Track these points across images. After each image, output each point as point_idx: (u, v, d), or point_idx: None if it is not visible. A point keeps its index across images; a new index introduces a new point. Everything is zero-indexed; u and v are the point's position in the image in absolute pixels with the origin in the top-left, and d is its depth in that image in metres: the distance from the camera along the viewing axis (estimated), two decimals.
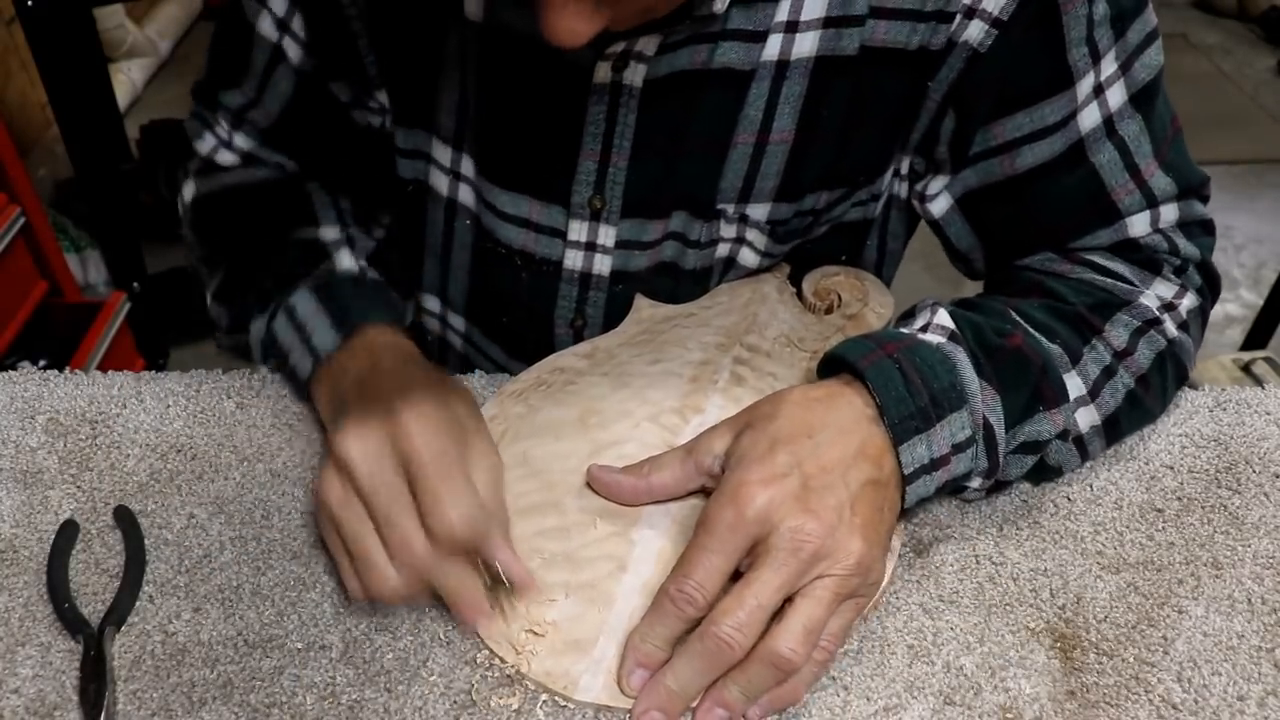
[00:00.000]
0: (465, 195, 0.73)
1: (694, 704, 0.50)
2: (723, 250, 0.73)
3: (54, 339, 1.76)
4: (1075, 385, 0.61)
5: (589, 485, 0.59)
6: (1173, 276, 0.68)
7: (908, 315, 0.63)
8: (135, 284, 2.01)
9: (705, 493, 0.58)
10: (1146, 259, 0.68)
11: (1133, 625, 0.55)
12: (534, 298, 0.75)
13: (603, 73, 0.63)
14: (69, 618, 0.53)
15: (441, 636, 0.53)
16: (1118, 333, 0.63)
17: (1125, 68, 0.64)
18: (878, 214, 0.75)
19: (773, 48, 0.63)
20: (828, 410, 0.54)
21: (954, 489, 0.59)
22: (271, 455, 0.64)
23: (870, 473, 0.52)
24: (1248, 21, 3.82)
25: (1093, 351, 0.62)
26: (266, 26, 0.71)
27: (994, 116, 0.65)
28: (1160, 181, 0.67)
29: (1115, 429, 0.63)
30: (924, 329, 0.59)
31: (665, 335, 0.71)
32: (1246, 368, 1.55)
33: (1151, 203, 0.67)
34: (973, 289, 0.76)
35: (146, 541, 0.58)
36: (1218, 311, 2.40)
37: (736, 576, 0.50)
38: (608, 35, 0.54)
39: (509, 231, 0.72)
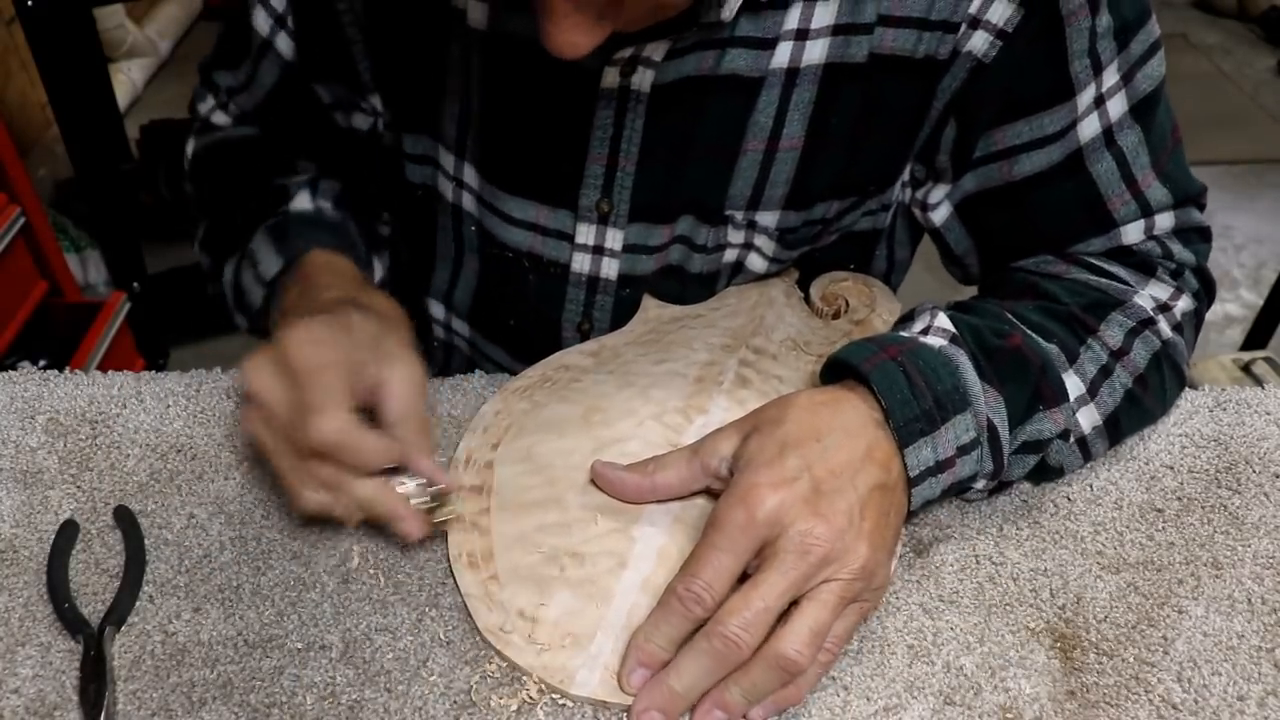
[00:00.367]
0: (468, 201, 0.73)
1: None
2: (730, 255, 0.73)
3: (54, 339, 1.76)
4: (1074, 384, 0.61)
5: (592, 481, 0.59)
6: (1168, 279, 0.68)
7: (906, 318, 0.63)
8: (135, 284, 2.01)
9: (708, 493, 0.58)
10: (1140, 263, 0.68)
11: (1133, 625, 0.55)
12: (541, 301, 0.75)
13: (610, 78, 0.63)
14: (69, 618, 0.53)
15: (441, 637, 0.53)
16: (1113, 332, 0.63)
17: (1127, 79, 0.64)
18: (887, 224, 0.75)
19: (782, 55, 0.63)
20: (834, 414, 0.54)
21: (958, 490, 0.59)
22: None
23: (878, 477, 0.52)
24: (1248, 21, 3.82)
25: (1089, 351, 0.62)
26: (261, 21, 0.73)
27: (995, 124, 0.65)
28: (1157, 192, 0.67)
29: (1116, 429, 0.63)
30: (924, 332, 0.59)
31: (672, 335, 0.71)
32: (1246, 368, 1.55)
33: (1146, 212, 0.67)
34: (970, 291, 0.76)
35: (146, 541, 0.58)
36: (1218, 311, 2.40)
37: (741, 581, 0.50)
38: (615, 40, 0.54)
39: (516, 235, 0.72)
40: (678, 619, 0.49)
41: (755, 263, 0.73)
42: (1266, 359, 1.56)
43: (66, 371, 0.70)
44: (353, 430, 0.52)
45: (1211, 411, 0.69)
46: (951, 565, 0.58)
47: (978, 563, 0.58)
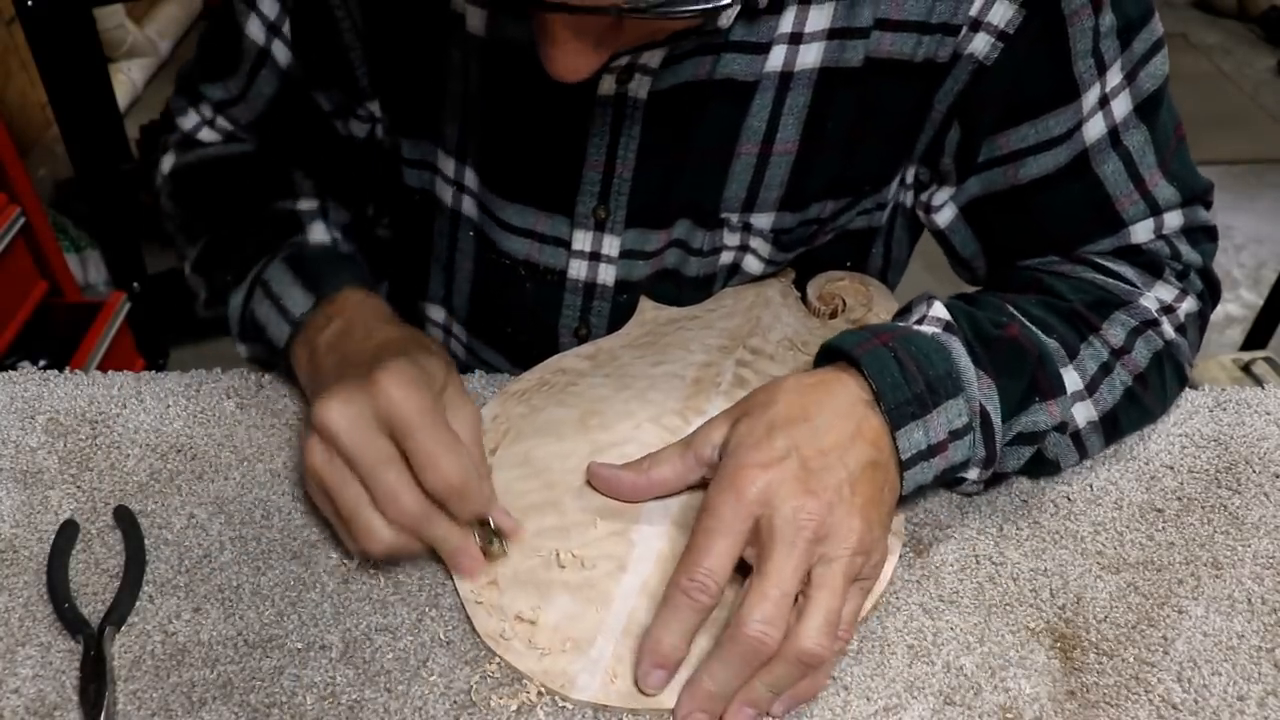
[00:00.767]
0: (468, 207, 0.73)
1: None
2: (726, 258, 0.73)
3: (54, 339, 1.76)
4: (1072, 380, 0.61)
5: (589, 483, 0.59)
6: (1174, 280, 0.68)
7: (904, 310, 0.63)
8: (135, 284, 2.01)
9: (705, 488, 0.58)
10: (1148, 262, 0.68)
11: (1133, 625, 0.55)
12: (538, 307, 0.75)
13: (607, 85, 0.63)
14: (69, 618, 0.53)
15: (441, 637, 0.53)
16: (1115, 331, 0.63)
17: (1131, 78, 0.64)
18: (883, 222, 0.75)
19: (776, 59, 0.63)
20: (824, 395, 0.54)
21: (952, 479, 0.59)
22: (271, 455, 0.64)
23: (869, 454, 0.52)
24: (1248, 21, 3.82)
25: (1090, 348, 0.62)
26: (255, 29, 0.71)
27: (1000, 127, 0.65)
28: (1164, 190, 0.67)
29: (1114, 427, 0.63)
30: (920, 321, 0.59)
31: (669, 337, 0.71)
32: (1246, 368, 1.55)
33: (1155, 211, 0.67)
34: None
35: (146, 541, 0.58)
36: (1218, 311, 2.39)
37: (740, 571, 0.50)
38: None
39: (513, 242, 0.72)
40: (686, 612, 0.49)
41: (751, 264, 0.73)
42: (1266, 359, 1.56)
43: (66, 371, 0.70)
44: (475, 475, 0.53)
45: (1211, 411, 0.69)
46: (951, 565, 0.58)
47: (978, 563, 0.58)
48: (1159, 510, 0.62)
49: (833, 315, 0.74)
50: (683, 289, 0.74)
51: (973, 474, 0.59)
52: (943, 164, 0.69)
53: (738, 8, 0.59)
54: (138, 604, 0.55)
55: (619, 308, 0.74)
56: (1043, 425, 0.58)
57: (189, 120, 0.79)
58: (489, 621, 0.53)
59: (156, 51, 3.10)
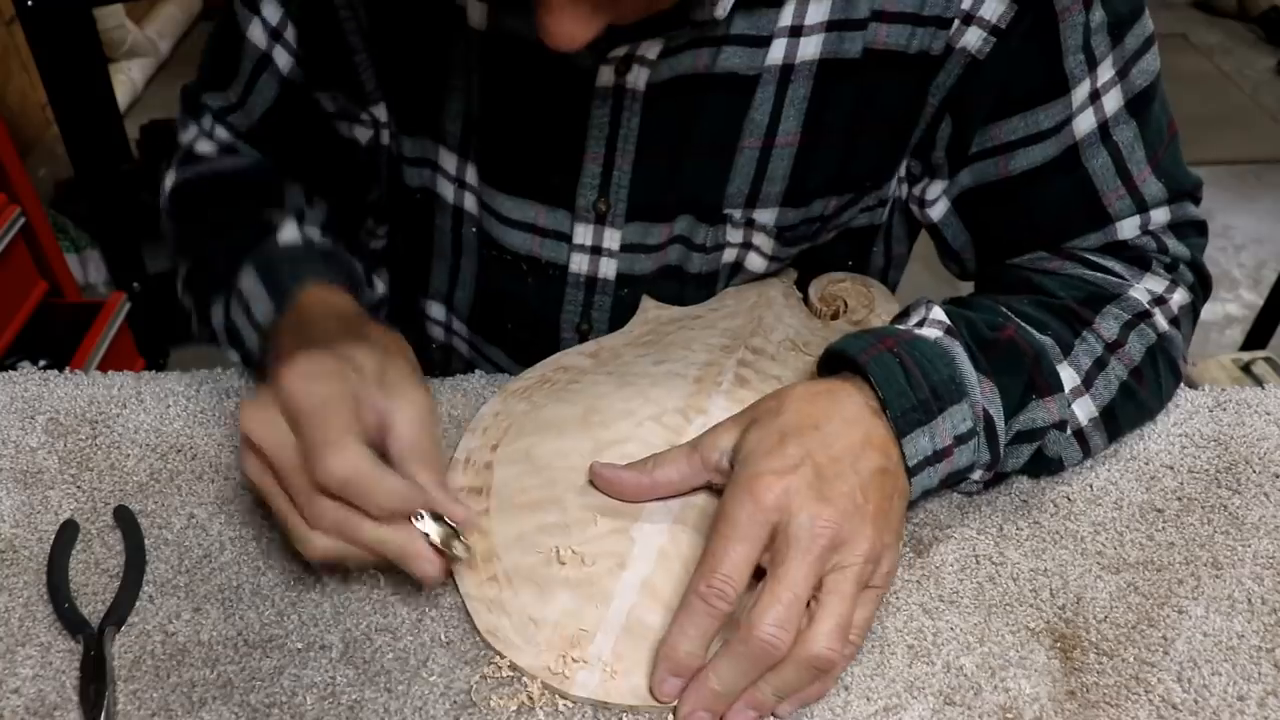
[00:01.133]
0: (470, 203, 0.73)
1: None
2: (729, 255, 0.73)
3: (54, 339, 1.76)
4: (1069, 376, 0.61)
5: (591, 483, 0.59)
6: (1163, 272, 0.68)
7: (902, 314, 0.63)
8: (135, 284, 2.01)
9: (709, 489, 0.58)
10: (1135, 257, 0.69)
11: (1133, 625, 0.55)
12: (540, 302, 0.75)
13: (605, 76, 0.63)
14: (69, 618, 0.53)
15: (441, 637, 0.53)
16: (1108, 325, 0.64)
17: (1122, 74, 0.64)
18: (884, 219, 0.75)
19: (777, 52, 0.63)
20: (831, 403, 0.54)
21: (955, 480, 0.59)
22: None
23: (879, 461, 0.53)
24: (1248, 21, 3.82)
25: (1083, 343, 0.62)
26: (257, 34, 0.71)
27: (991, 119, 0.66)
28: (1152, 187, 0.67)
29: (1113, 421, 0.63)
30: (920, 325, 0.59)
31: (671, 336, 0.71)
32: (1246, 368, 1.55)
33: (1142, 207, 0.68)
34: (969, 288, 0.76)
35: (146, 541, 0.58)
36: (1218, 311, 2.40)
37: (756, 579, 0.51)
38: (610, 38, 0.54)
39: (514, 237, 0.72)
40: (703, 618, 0.49)
41: (754, 262, 0.73)
42: (1266, 359, 1.56)
43: (66, 371, 0.70)
44: (366, 467, 0.49)
45: (1211, 411, 0.69)
46: (951, 565, 0.58)
47: (978, 563, 0.58)
48: (1159, 510, 0.62)
49: (834, 316, 0.74)
50: (686, 285, 0.74)
51: (976, 475, 0.59)
52: (934, 157, 0.69)
53: None
54: (138, 604, 0.55)
55: (620, 303, 0.74)
56: (1041, 422, 0.59)
57: (188, 134, 0.79)
58: (489, 618, 0.53)
59: (156, 51, 3.10)
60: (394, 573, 0.56)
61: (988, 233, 0.72)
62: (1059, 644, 0.54)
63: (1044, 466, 0.63)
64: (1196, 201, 0.71)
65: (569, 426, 0.63)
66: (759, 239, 0.72)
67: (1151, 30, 0.65)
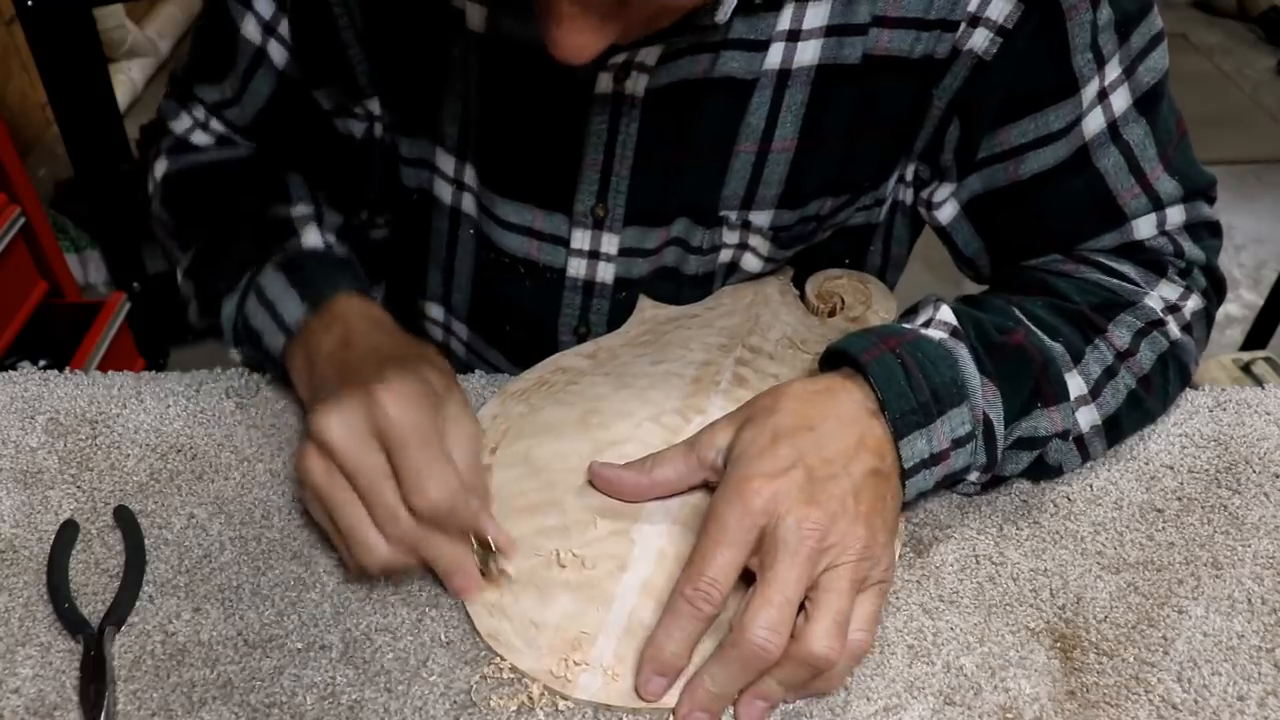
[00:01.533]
0: (468, 204, 0.73)
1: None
2: (725, 256, 0.73)
3: (54, 339, 1.76)
4: (1076, 384, 0.61)
5: (590, 483, 0.59)
6: (1177, 278, 0.68)
7: (910, 311, 0.63)
8: (135, 284, 2.01)
9: (708, 488, 0.58)
10: (1151, 260, 0.68)
11: (1133, 625, 0.55)
12: (538, 306, 0.75)
13: (604, 83, 0.63)
14: (69, 618, 0.53)
15: (441, 637, 0.53)
16: (1120, 333, 0.63)
17: (1129, 72, 0.64)
18: (882, 219, 0.75)
19: (774, 56, 0.63)
20: (828, 403, 0.54)
21: (951, 482, 0.59)
22: (271, 455, 0.64)
23: (872, 463, 0.53)
24: (1248, 21, 3.82)
25: (1095, 351, 0.62)
26: (251, 29, 0.71)
27: (999, 123, 0.65)
28: (1166, 185, 0.67)
29: (1116, 429, 0.63)
30: (926, 324, 0.59)
31: (668, 336, 0.71)
32: (1246, 368, 1.55)
33: (1157, 205, 0.67)
34: (974, 289, 0.76)
35: (146, 541, 0.58)
36: (1218, 311, 2.40)
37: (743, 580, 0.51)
38: (610, 47, 0.53)
39: (512, 240, 0.72)
40: (689, 621, 0.49)
41: (750, 262, 0.73)
42: (1266, 359, 1.56)
43: (66, 371, 0.70)
44: (462, 497, 0.52)
45: (1211, 411, 0.69)
46: (951, 565, 0.58)
47: (978, 563, 0.58)
48: (1159, 510, 0.62)
49: (831, 313, 0.74)
50: (682, 287, 0.74)
51: (972, 476, 0.59)
52: (943, 160, 0.69)
53: None
54: (138, 604, 0.55)
55: (618, 306, 0.73)
56: (1044, 431, 0.58)
57: (181, 123, 0.79)
58: (489, 621, 0.53)
59: (156, 51, 3.10)
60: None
61: (1001, 237, 0.71)
62: (1059, 644, 0.54)
63: (1043, 472, 0.63)
64: (1211, 201, 0.71)
65: (567, 428, 0.63)
66: (755, 240, 0.71)
67: (1160, 28, 0.65)
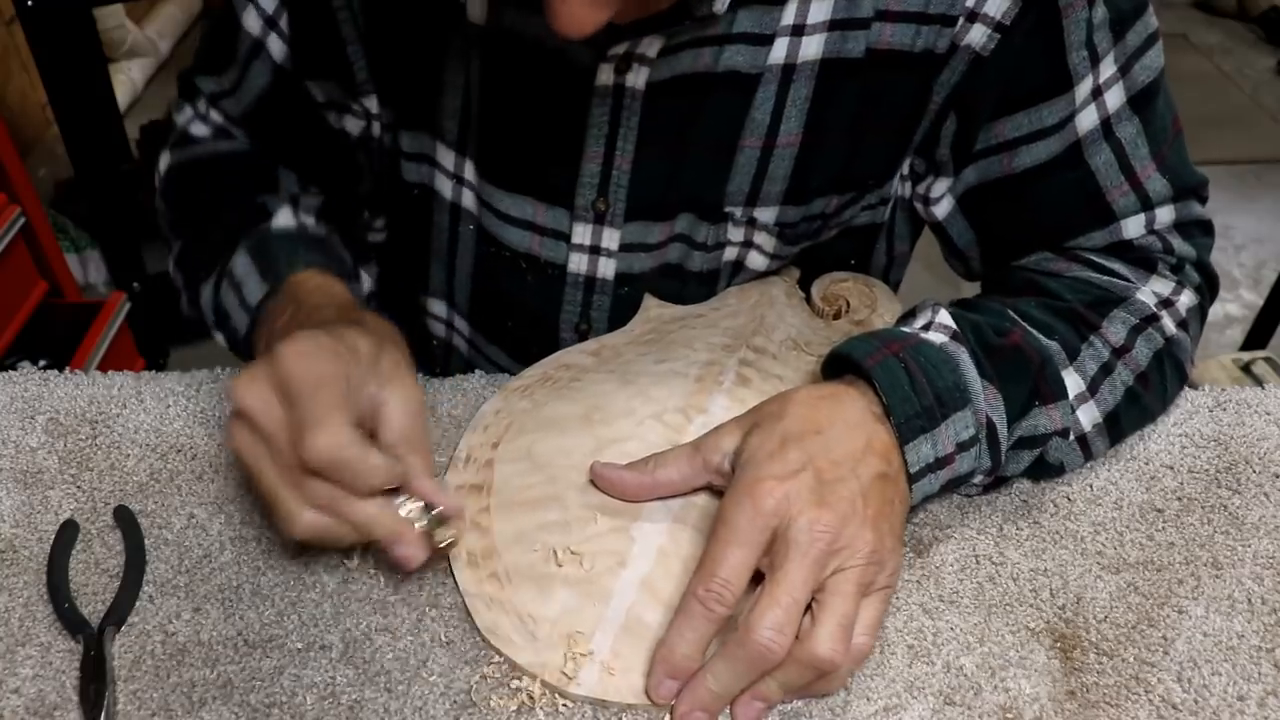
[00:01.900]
0: (468, 200, 0.73)
1: None
2: (730, 253, 0.73)
3: (54, 339, 1.76)
4: (1074, 382, 0.61)
5: (592, 482, 0.59)
6: (1169, 274, 0.68)
7: (908, 315, 0.63)
8: (135, 284, 2.01)
9: (709, 489, 0.58)
10: (1141, 258, 0.68)
11: (1133, 625, 0.55)
12: (539, 301, 0.75)
13: (605, 75, 0.63)
14: (69, 618, 0.53)
15: (441, 637, 0.53)
16: (1115, 329, 0.63)
17: (1124, 70, 0.64)
18: (886, 218, 0.75)
19: (779, 51, 0.63)
20: (834, 408, 0.54)
21: (956, 485, 0.59)
22: None
23: (879, 467, 0.53)
24: (1248, 21, 3.82)
25: (1090, 348, 0.62)
26: (251, 21, 0.72)
27: (995, 116, 0.65)
28: (1156, 184, 0.67)
29: (1116, 427, 0.63)
30: (926, 328, 0.59)
31: (672, 335, 0.71)
32: (1246, 368, 1.55)
33: (1146, 205, 0.67)
34: (971, 289, 0.76)
35: (146, 541, 0.58)
36: (1218, 311, 2.40)
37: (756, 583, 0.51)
38: (610, 35, 0.53)
39: (513, 235, 0.72)
40: (701, 622, 0.49)
41: (755, 260, 0.73)
42: (1266, 359, 1.56)
43: (66, 371, 0.70)
44: (354, 446, 0.50)
45: (1211, 411, 0.69)
46: (951, 565, 0.58)
47: (978, 563, 0.58)
48: (1159, 510, 0.62)
49: (836, 316, 0.74)
50: (687, 284, 0.74)
51: (976, 479, 0.59)
52: (939, 154, 0.69)
53: None
54: (138, 604, 0.55)
55: (620, 302, 0.73)
56: (1044, 429, 0.59)
57: (184, 115, 0.80)
58: (488, 615, 0.53)
59: (156, 51, 3.10)
60: (391, 570, 0.56)
61: (992, 231, 0.72)
62: (1059, 644, 0.54)
63: (1045, 471, 0.63)
64: (1202, 200, 0.71)
65: (570, 424, 0.63)
66: (760, 237, 0.72)
67: (1155, 27, 0.65)
